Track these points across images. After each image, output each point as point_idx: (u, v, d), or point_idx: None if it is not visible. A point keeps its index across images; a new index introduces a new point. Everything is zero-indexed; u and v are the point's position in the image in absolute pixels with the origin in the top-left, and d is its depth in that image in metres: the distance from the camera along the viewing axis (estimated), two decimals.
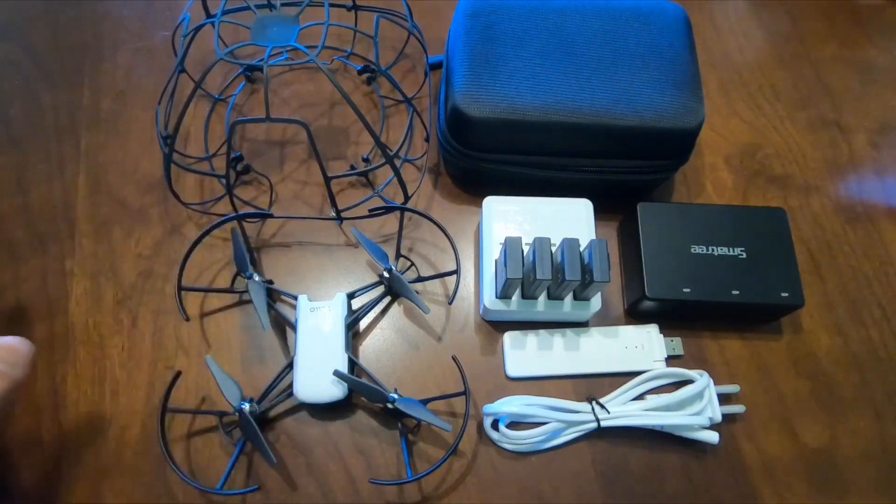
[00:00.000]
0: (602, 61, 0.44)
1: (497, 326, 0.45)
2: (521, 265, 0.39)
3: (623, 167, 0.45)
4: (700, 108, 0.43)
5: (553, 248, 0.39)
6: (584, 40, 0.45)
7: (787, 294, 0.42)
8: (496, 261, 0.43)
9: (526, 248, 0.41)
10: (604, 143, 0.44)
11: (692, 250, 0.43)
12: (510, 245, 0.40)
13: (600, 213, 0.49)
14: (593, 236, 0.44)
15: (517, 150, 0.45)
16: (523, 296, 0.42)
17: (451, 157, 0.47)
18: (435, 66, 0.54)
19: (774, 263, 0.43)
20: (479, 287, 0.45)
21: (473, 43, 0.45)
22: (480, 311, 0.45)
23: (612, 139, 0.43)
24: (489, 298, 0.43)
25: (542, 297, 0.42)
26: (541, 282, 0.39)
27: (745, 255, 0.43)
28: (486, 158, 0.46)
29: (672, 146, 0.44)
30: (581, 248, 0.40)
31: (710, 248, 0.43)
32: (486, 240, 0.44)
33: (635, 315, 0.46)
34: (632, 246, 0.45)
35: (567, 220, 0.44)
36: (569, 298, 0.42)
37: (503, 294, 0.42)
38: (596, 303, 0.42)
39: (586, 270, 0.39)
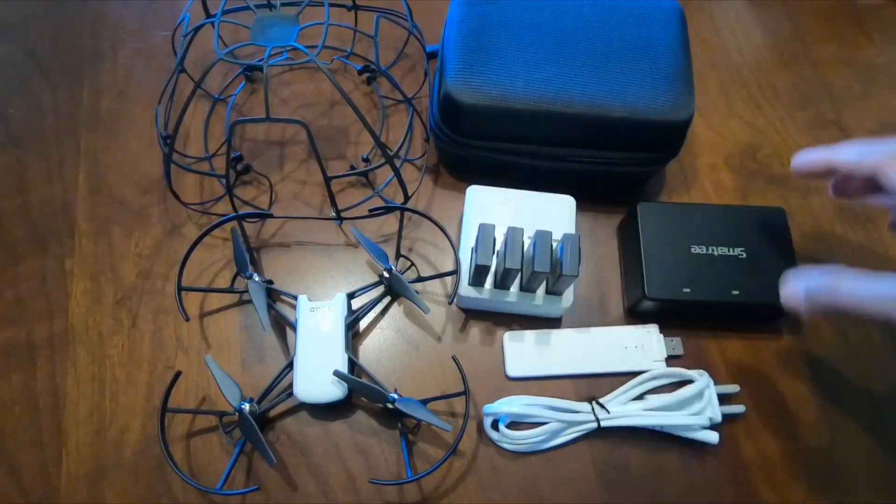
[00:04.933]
0: (594, 53, 0.44)
1: (486, 320, 0.45)
2: (492, 253, 0.39)
3: (613, 159, 0.45)
4: (690, 101, 0.43)
5: (527, 240, 0.39)
6: (577, 32, 0.45)
7: None
8: (471, 248, 0.43)
9: (501, 238, 0.41)
10: (593, 133, 0.44)
11: (692, 250, 0.43)
12: (483, 232, 0.40)
13: (599, 213, 0.49)
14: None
15: (507, 139, 0.45)
16: (496, 285, 0.42)
17: (442, 143, 0.47)
18: (433, 56, 0.54)
19: (774, 263, 0.43)
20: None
21: (468, 31, 0.45)
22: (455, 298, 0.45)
23: (601, 130, 0.44)
24: (463, 285, 0.43)
25: (515, 289, 0.42)
26: (510, 271, 0.39)
27: (745, 255, 0.43)
28: (476, 146, 0.46)
29: (662, 139, 0.44)
30: (555, 242, 0.40)
31: (710, 248, 0.43)
32: (466, 228, 0.44)
33: (635, 315, 0.46)
34: (632, 246, 0.44)
35: (549, 215, 0.44)
36: (541, 291, 0.42)
37: (474, 281, 0.42)
38: (568, 298, 0.42)
39: (556, 263, 0.39)
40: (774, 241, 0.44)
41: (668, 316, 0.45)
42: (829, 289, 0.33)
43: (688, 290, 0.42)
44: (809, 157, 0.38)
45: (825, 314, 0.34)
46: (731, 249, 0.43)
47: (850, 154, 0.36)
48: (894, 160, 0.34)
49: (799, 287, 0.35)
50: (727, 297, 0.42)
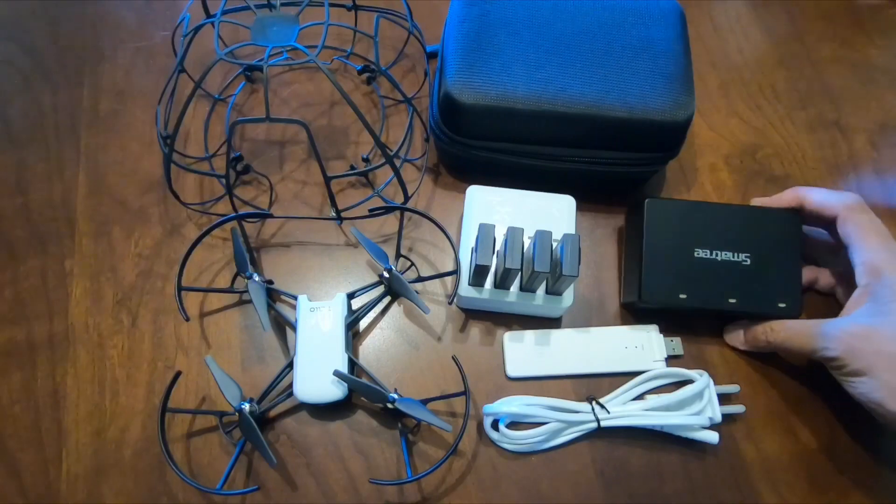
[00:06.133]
0: (594, 53, 0.44)
1: (486, 320, 0.45)
2: (492, 252, 0.39)
3: (612, 159, 0.45)
4: (691, 101, 0.43)
5: (528, 240, 0.39)
6: (577, 31, 0.45)
7: (784, 305, 0.41)
8: (471, 248, 0.43)
9: (501, 238, 0.41)
10: (593, 133, 0.44)
11: (695, 254, 0.42)
12: (483, 232, 0.40)
13: (599, 213, 0.49)
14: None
15: (507, 139, 0.45)
16: (496, 285, 0.42)
17: (442, 143, 0.47)
18: (433, 56, 0.53)
19: (778, 272, 0.42)
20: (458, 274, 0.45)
21: (468, 30, 0.45)
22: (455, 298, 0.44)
23: (601, 130, 0.44)
24: (463, 285, 0.43)
25: (515, 289, 0.42)
26: (510, 271, 0.39)
27: (748, 262, 0.42)
28: (476, 146, 0.46)
29: (661, 139, 0.44)
30: (555, 242, 0.40)
31: (714, 252, 0.42)
32: (467, 228, 0.44)
33: (633, 312, 0.46)
34: (634, 243, 0.44)
35: (549, 214, 0.44)
36: (541, 291, 0.42)
37: (475, 281, 0.42)
38: (568, 298, 0.42)
39: (556, 263, 0.39)
40: (782, 248, 0.42)
41: (668, 316, 0.45)
42: (765, 329, 0.42)
43: (684, 296, 0.42)
44: (787, 192, 0.44)
45: (761, 349, 0.43)
46: (735, 255, 0.42)
47: (819, 195, 0.42)
48: (852, 210, 0.40)
49: (740, 329, 0.44)
50: (723, 305, 0.42)
